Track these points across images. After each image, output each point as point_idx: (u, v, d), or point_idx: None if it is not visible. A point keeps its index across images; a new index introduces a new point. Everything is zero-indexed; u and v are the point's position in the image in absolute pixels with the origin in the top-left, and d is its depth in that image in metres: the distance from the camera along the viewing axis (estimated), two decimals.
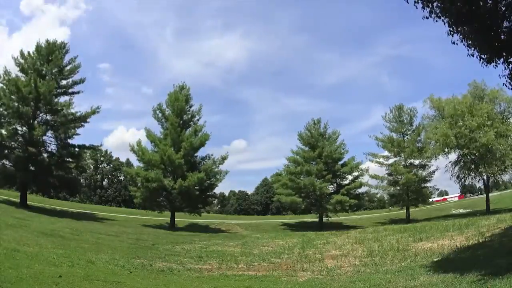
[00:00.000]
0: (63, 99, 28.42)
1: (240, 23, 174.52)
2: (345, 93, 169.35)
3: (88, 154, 45.90)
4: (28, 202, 26.35)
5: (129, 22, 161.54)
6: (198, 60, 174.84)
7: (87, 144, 30.38)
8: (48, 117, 27.53)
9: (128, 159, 68.78)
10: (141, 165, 30.83)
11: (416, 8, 6.68)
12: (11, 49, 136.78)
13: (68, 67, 28.49)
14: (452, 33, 6.82)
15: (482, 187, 40.37)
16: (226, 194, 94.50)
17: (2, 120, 25.69)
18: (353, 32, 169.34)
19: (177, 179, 28.05)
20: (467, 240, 11.79)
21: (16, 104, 25.23)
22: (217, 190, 38.91)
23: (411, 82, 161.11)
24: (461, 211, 42.59)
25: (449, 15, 6.65)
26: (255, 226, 35.16)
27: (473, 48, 6.95)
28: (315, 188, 34.20)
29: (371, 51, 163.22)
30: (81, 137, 37.94)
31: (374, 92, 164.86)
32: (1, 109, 25.65)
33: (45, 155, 27.41)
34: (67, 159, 28.82)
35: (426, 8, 6.64)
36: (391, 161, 38.50)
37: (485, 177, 32.55)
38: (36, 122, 26.47)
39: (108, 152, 77.71)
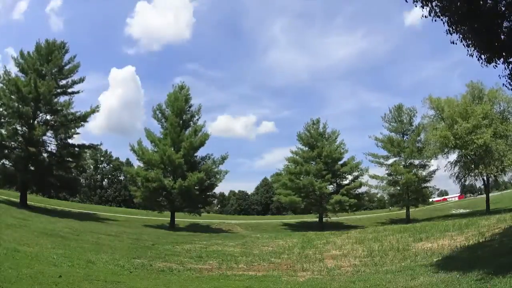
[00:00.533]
0: (63, 99, 28.60)
1: (362, 21, 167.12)
2: (417, 91, 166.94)
3: (88, 154, 45.82)
4: (28, 202, 26.36)
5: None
6: (300, 55, 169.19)
7: (87, 144, 30.59)
8: (48, 117, 27.63)
9: (128, 159, 68.76)
10: (141, 165, 30.92)
11: (415, 7, 6.65)
12: None
13: (67, 67, 28.58)
14: (451, 32, 6.80)
15: (482, 187, 40.34)
16: (226, 194, 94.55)
17: (2, 120, 25.74)
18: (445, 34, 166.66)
19: (177, 179, 28.08)
20: (467, 240, 11.77)
21: (16, 104, 25.28)
22: (217, 190, 38.98)
23: None
24: (461, 211, 42.57)
25: (449, 15, 6.63)
26: (255, 226, 35.16)
27: (472, 48, 6.91)
28: (314, 188, 34.26)
29: (450, 54, 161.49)
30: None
31: (439, 93, 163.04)
32: (1, 109, 25.71)
33: (45, 155, 27.48)
34: (67, 159, 28.88)
35: (425, 7, 6.61)
36: (391, 161, 38.55)
37: (485, 177, 32.54)
38: (36, 122, 26.51)
39: (108, 152, 77.82)
